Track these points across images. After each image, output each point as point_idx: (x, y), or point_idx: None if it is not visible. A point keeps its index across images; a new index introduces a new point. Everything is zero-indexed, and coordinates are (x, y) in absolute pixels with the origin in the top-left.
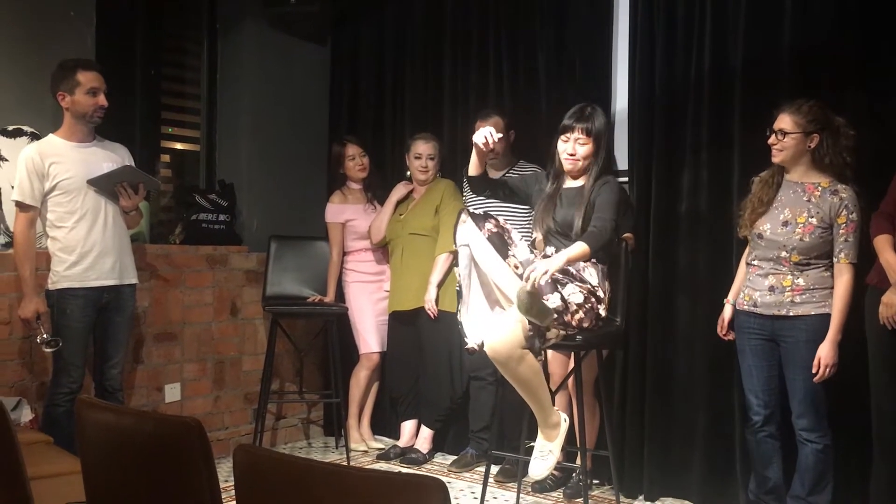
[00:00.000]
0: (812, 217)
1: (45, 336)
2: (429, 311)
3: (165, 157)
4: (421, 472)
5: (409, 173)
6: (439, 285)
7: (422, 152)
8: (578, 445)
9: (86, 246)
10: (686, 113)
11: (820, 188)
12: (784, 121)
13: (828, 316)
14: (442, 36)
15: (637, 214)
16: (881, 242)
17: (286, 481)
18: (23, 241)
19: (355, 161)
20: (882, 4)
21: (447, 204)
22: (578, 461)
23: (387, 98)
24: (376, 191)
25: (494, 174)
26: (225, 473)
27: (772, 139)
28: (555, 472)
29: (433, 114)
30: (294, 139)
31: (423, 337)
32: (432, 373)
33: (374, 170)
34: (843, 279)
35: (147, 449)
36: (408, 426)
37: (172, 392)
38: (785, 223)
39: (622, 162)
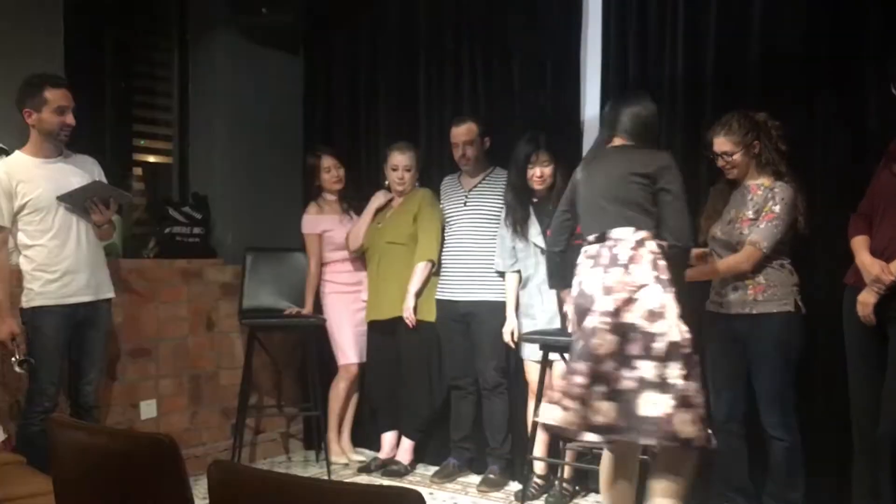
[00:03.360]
0: (749, 211)
1: (18, 357)
2: (407, 320)
3: (138, 170)
4: (400, 484)
5: (387, 182)
6: (418, 294)
7: (398, 164)
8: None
9: (60, 263)
10: (659, 117)
11: (762, 188)
12: (723, 144)
13: (790, 314)
14: (415, 44)
15: None
16: (858, 244)
17: (261, 497)
18: None
19: (331, 173)
20: (851, 9)
21: (424, 212)
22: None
23: (361, 108)
24: (352, 201)
25: (469, 181)
26: (203, 490)
27: (720, 163)
28: (537, 482)
29: (408, 122)
30: (268, 150)
31: (401, 346)
32: (411, 382)
33: (349, 180)
34: (735, 255)
35: (120, 467)
36: (388, 437)
37: (148, 409)
38: (729, 222)
39: None
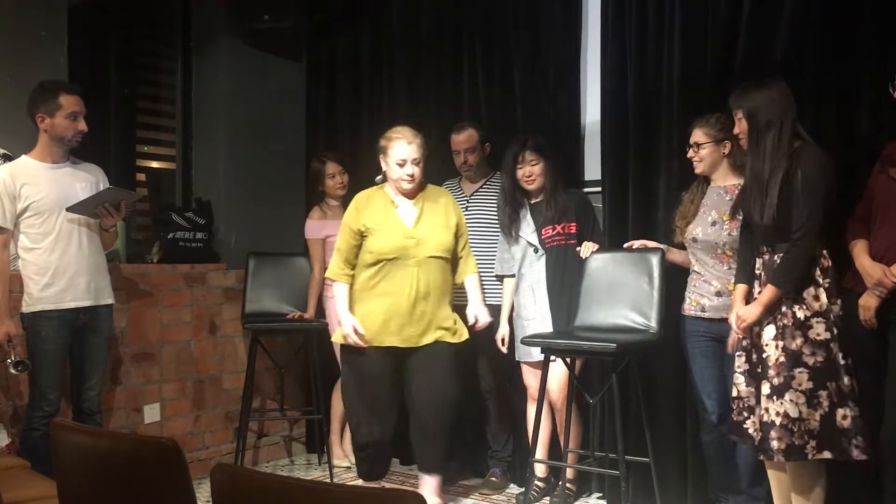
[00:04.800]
0: (737, 213)
1: (14, 359)
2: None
3: (141, 176)
4: (401, 487)
5: (379, 178)
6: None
7: (406, 157)
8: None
9: (59, 267)
10: (657, 121)
11: (740, 188)
12: (697, 134)
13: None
14: (417, 50)
15: (612, 222)
16: (857, 247)
17: (264, 500)
18: None
19: (335, 179)
20: (838, 15)
21: (464, 223)
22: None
23: (363, 112)
24: None
25: (471, 186)
26: (206, 494)
27: (690, 153)
28: (538, 484)
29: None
30: (270, 155)
31: (421, 375)
32: (436, 414)
33: (352, 185)
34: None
35: (124, 471)
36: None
37: (152, 413)
38: (713, 223)
39: (594, 172)
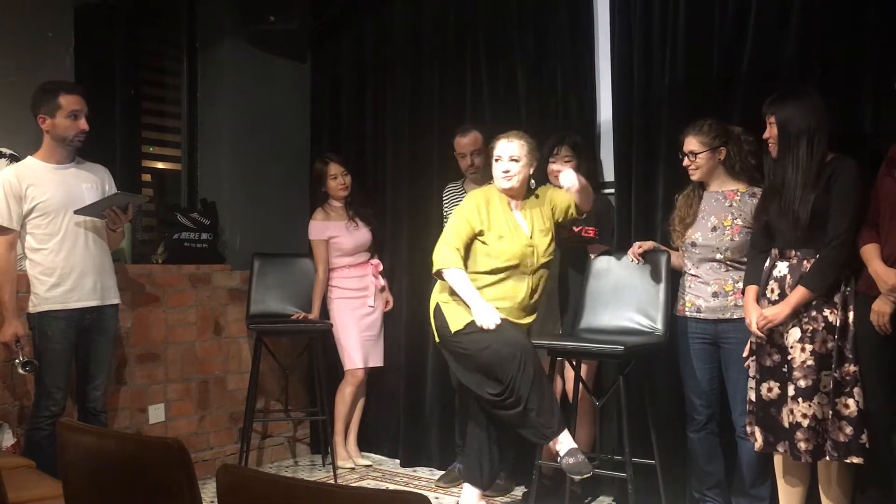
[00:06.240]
0: (737, 219)
1: (22, 359)
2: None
3: (146, 177)
4: (406, 489)
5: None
6: None
7: (501, 154)
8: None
9: (66, 267)
10: (660, 123)
11: (739, 193)
12: (691, 143)
13: None
14: (421, 51)
15: (620, 224)
16: (868, 252)
17: (268, 500)
18: (2, 264)
19: (337, 180)
20: (844, 18)
21: (556, 199)
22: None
23: (367, 114)
24: (358, 208)
25: (474, 189)
26: (210, 494)
27: (685, 161)
28: (544, 483)
29: (413, 129)
30: (275, 156)
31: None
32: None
33: (356, 186)
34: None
35: (129, 471)
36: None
37: (156, 413)
38: (714, 229)
39: (609, 172)
